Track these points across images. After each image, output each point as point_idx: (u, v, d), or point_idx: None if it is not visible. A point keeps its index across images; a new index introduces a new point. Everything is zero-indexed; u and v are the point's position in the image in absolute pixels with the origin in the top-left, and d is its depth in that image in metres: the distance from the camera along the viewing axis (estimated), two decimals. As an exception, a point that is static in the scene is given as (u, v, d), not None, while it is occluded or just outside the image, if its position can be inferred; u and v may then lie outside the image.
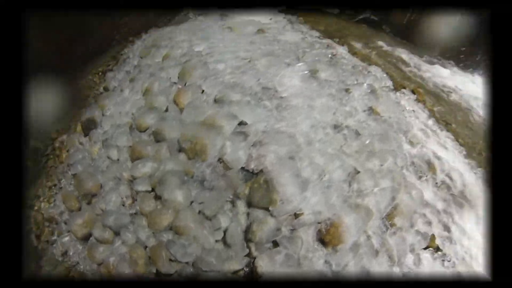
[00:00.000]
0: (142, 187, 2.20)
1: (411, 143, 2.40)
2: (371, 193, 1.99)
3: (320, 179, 1.89)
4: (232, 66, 2.42)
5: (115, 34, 3.75)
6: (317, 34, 3.66)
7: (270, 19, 3.86)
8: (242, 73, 2.32)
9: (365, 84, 2.63)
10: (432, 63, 5.10)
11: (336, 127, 2.13)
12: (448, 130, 2.81)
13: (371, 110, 2.44)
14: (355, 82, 2.63)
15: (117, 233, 2.22)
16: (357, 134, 2.20)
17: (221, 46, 2.75)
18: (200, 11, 4.46)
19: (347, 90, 2.46)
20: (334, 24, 4.73)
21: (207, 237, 1.89)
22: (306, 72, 2.31)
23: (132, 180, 2.28)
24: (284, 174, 1.78)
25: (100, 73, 3.36)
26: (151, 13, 4.08)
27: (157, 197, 2.14)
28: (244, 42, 2.84)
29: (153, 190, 2.18)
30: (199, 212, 1.96)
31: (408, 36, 5.72)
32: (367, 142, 2.15)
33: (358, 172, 2.04)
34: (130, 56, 3.41)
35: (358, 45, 3.91)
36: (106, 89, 3.14)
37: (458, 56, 5.72)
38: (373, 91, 2.62)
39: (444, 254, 2.04)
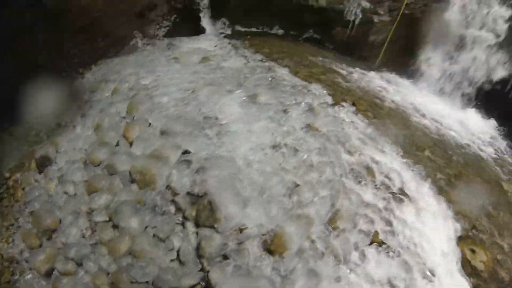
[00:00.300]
0: (100, 218, 2.41)
1: (349, 152, 2.74)
2: (311, 203, 2.30)
3: (261, 196, 2.18)
4: (176, 98, 2.71)
5: (65, 66, 3.92)
6: (261, 57, 4.01)
7: (215, 46, 4.19)
8: (185, 105, 2.61)
9: (303, 103, 2.99)
10: (373, 74, 5.62)
11: (275, 147, 2.45)
12: (386, 135, 3.21)
13: (309, 127, 2.78)
14: (294, 102, 2.98)
15: (79, 264, 2.40)
16: (296, 150, 2.52)
17: (167, 78, 3.03)
18: (148, 41, 4.76)
19: (285, 111, 2.80)
20: (278, 46, 5.14)
21: (163, 257, 2.14)
22: (244, 98, 2.63)
23: (90, 212, 2.48)
24: (225, 195, 2.07)
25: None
26: (101, 44, 4.30)
27: (115, 226, 2.36)
28: (188, 73, 3.14)
29: (110, 220, 2.39)
30: (153, 235, 2.20)
31: (350, 51, 6.27)
32: (305, 157, 2.48)
33: (298, 185, 2.36)
34: (80, 90, 3.58)
35: (300, 65, 4.30)
36: (58, 125, 3.29)
37: (397, 66, 6.32)
38: (310, 109, 2.98)
39: (388, 247, 2.30)
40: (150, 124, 2.56)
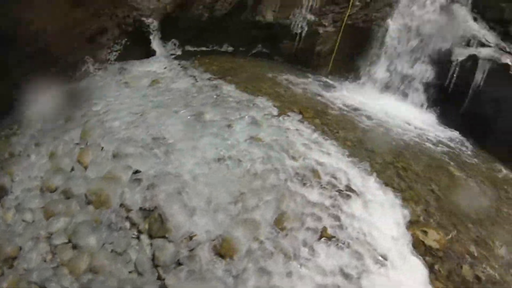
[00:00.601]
0: (59, 240, 2.62)
1: (293, 158, 3.08)
2: (256, 208, 2.62)
3: (207, 205, 2.48)
4: (127, 121, 2.98)
5: (15, 95, 3.97)
6: (209, 76, 4.36)
7: (165, 68, 4.49)
8: (135, 128, 2.88)
9: (246, 117, 3.33)
10: (321, 82, 6.09)
11: (219, 160, 2.76)
12: (333, 139, 3.57)
13: (252, 139, 3.11)
14: (238, 117, 3.32)
15: (42, 287, 2.58)
16: (239, 161, 2.85)
17: (117, 103, 3.29)
18: (99, 65, 4.95)
19: (229, 126, 3.13)
20: (227, 63, 5.50)
21: (121, 270, 2.38)
22: (189, 117, 2.94)
23: (49, 237, 2.68)
24: (173, 207, 2.36)
25: (3, 138, 3.57)
26: (52, 70, 4.42)
27: (74, 246, 2.57)
28: (138, 97, 3.42)
29: (69, 241, 2.61)
30: (111, 251, 2.44)
31: (299, 63, 6.73)
32: (249, 167, 2.80)
33: (243, 193, 2.67)
34: (33, 119, 3.71)
35: (248, 80, 4.67)
36: (11, 154, 3.41)
37: (344, 72, 6.84)
38: (254, 121, 3.33)
39: (338, 240, 2.57)
40: (102, 148, 2.80)
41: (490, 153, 5.59)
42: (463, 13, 6.58)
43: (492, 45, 6.11)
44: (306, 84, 5.67)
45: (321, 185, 2.84)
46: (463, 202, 3.42)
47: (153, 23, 5.56)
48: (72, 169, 2.82)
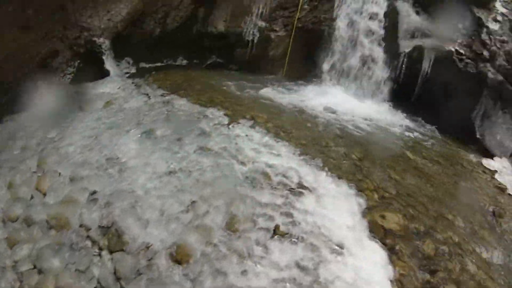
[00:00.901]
0: (24, 267, 2.81)
1: (242, 163, 3.34)
2: (207, 214, 2.87)
3: (161, 216, 2.73)
4: (81, 145, 3.20)
5: None
6: (162, 92, 4.60)
7: (119, 88, 4.70)
8: (90, 151, 3.11)
9: (196, 129, 3.59)
10: (275, 86, 6.42)
11: (170, 173, 3.02)
12: (285, 140, 3.83)
13: (202, 149, 3.38)
14: (189, 129, 3.58)
15: (13, 314, 2.76)
16: (190, 172, 3.10)
17: (71, 128, 3.50)
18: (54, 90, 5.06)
19: (179, 139, 3.39)
20: (181, 76, 5.75)
21: (85, 287, 2.59)
22: (139, 135, 3.18)
23: (15, 265, 2.86)
24: (128, 221, 2.60)
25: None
26: (3, 99, 4.48)
27: (39, 271, 2.77)
28: (91, 120, 3.63)
29: (34, 266, 2.80)
30: (75, 270, 2.65)
31: (253, 69, 7.06)
32: (198, 176, 3.06)
33: (194, 201, 2.93)
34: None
35: (201, 92, 4.93)
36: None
37: (298, 74, 7.21)
38: (203, 132, 3.59)
39: (291, 235, 2.78)
40: (59, 174, 3.01)
41: (442, 134, 6.13)
42: (405, 8, 7.10)
43: (435, 34, 6.63)
44: (260, 89, 5.98)
45: (272, 186, 3.10)
46: (420, 183, 3.78)
47: (104, 42, 5.72)
48: (32, 197, 3.01)
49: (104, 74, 5.47)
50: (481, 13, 6.17)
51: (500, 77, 5.79)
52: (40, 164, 3.18)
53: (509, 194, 4.54)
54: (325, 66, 7.27)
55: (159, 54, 6.61)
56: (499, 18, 6.05)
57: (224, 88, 5.45)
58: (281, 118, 4.65)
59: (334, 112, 5.69)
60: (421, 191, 3.58)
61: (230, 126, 3.86)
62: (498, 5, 6.09)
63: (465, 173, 4.69)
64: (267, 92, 5.93)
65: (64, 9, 5.32)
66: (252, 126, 4.03)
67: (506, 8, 6.04)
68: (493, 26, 6.01)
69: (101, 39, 5.67)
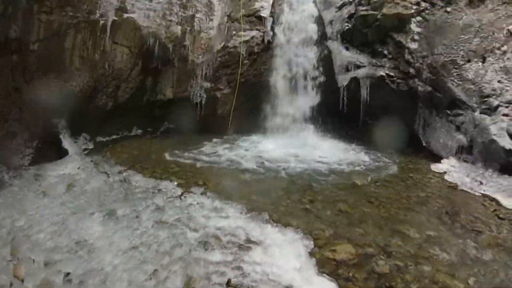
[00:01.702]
0: None
1: (195, 230, 4.08)
2: (167, 278, 3.55)
3: (129, 286, 3.40)
4: (50, 232, 3.83)
5: None
6: (119, 168, 5.32)
7: (79, 167, 5.38)
8: (59, 236, 3.75)
9: (152, 205, 4.34)
10: (225, 143, 7.27)
11: (133, 248, 3.71)
12: (234, 201, 4.58)
13: (158, 222, 4.11)
14: (144, 206, 4.32)
15: None
16: (149, 245, 3.81)
17: (38, 216, 4.12)
18: (14, 173, 5.54)
19: (138, 217, 4.11)
20: (137, 148, 6.51)
21: None
22: (102, 218, 3.89)
23: None
24: (99, 295, 3.25)
25: None
26: None
27: None
28: (56, 206, 4.28)
29: None
30: None
31: (204, 129, 7.94)
32: (157, 247, 3.77)
33: (156, 269, 3.62)
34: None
35: (155, 164, 5.69)
36: None
37: (246, 126, 8.09)
38: (158, 207, 4.34)
39: (242, 285, 3.27)
40: (34, 260, 3.61)
41: (392, 153, 7.19)
42: (336, 46, 8.34)
43: (366, 64, 7.88)
44: (212, 150, 6.80)
45: (222, 246, 3.78)
46: (372, 208, 4.57)
47: (60, 122, 6.36)
48: (11, 284, 3.55)
49: (63, 153, 6.08)
50: (400, 37, 7.48)
51: (428, 88, 7.06)
52: (14, 253, 3.75)
53: (462, 190, 5.43)
54: (270, 115, 8.26)
55: (114, 126, 7.34)
56: (416, 37, 7.32)
57: (177, 155, 6.24)
58: (231, 178, 5.45)
59: (284, 160, 6.48)
60: (373, 216, 4.34)
61: (182, 197, 4.63)
62: (413, 26, 7.35)
63: (416, 184, 5.52)
64: (218, 151, 6.75)
65: (19, 91, 5.90)
66: (203, 193, 4.83)
67: (420, 27, 7.31)
68: (413, 45, 7.30)
69: (57, 119, 6.32)
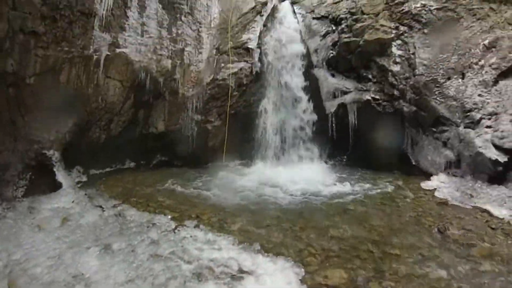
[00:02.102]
0: None
1: (189, 262, 4.23)
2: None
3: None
4: (47, 266, 3.96)
5: None
6: (114, 202, 5.49)
7: (73, 201, 5.53)
8: (56, 270, 3.89)
9: (147, 239, 4.50)
10: (218, 175, 7.44)
11: (129, 281, 3.86)
12: (226, 233, 4.77)
13: (154, 256, 4.27)
14: (140, 240, 4.48)
15: None
16: (145, 278, 3.96)
17: (34, 250, 4.26)
18: (7, 204, 5.64)
19: (133, 251, 4.27)
20: (130, 181, 6.68)
21: None
22: (98, 252, 4.04)
23: None
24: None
25: None
26: None
27: None
28: (52, 240, 4.42)
29: None
30: None
31: (196, 161, 8.16)
32: (153, 280, 3.93)
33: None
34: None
35: (149, 197, 5.85)
36: None
37: (239, 156, 8.30)
38: (153, 241, 4.51)
39: None
40: (30, 293, 3.74)
41: (382, 175, 7.42)
42: (322, 73, 8.74)
43: (352, 89, 8.27)
44: (204, 183, 7.00)
45: (216, 276, 3.94)
46: (364, 232, 4.72)
47: (54, 154, 6.51)
48: (8, 319, 3.69)
49: (57, 186, 6.19)
50: (383, 61, 7.92)
51: (413, 108, 7.45)
52: (11, 286, 3.88)
53: (452, 205, 5.61)
54: (262, 146, 8.52)
55: (107, 159, 7.52)
56: (398, 60, 7.79)
57: (170, 188, 6.43)
58: (224, 209, 5.62)
59: (276, 189, 6.67)
60: (365, 239, 4.50)
61: (176, 231, 4.80)
62: (394, 49, 7.82)
63: (407, 204, 5.72)
64: (210, 183, 6.94)
65: (14, 123, 6.10)
66: (196, 226, 5.00)
67: (401, 50, 7.75)
68: (395, 68, 7.76)
69: (51, 151, 6.47)
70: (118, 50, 7.45)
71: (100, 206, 5.35)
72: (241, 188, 6.73)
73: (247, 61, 8.55)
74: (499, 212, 5.28)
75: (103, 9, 7.20)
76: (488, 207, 5.46)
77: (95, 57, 7.17)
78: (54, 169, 6.39)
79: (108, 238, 4.41)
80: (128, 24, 7.62)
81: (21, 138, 6.14)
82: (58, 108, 6.58)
